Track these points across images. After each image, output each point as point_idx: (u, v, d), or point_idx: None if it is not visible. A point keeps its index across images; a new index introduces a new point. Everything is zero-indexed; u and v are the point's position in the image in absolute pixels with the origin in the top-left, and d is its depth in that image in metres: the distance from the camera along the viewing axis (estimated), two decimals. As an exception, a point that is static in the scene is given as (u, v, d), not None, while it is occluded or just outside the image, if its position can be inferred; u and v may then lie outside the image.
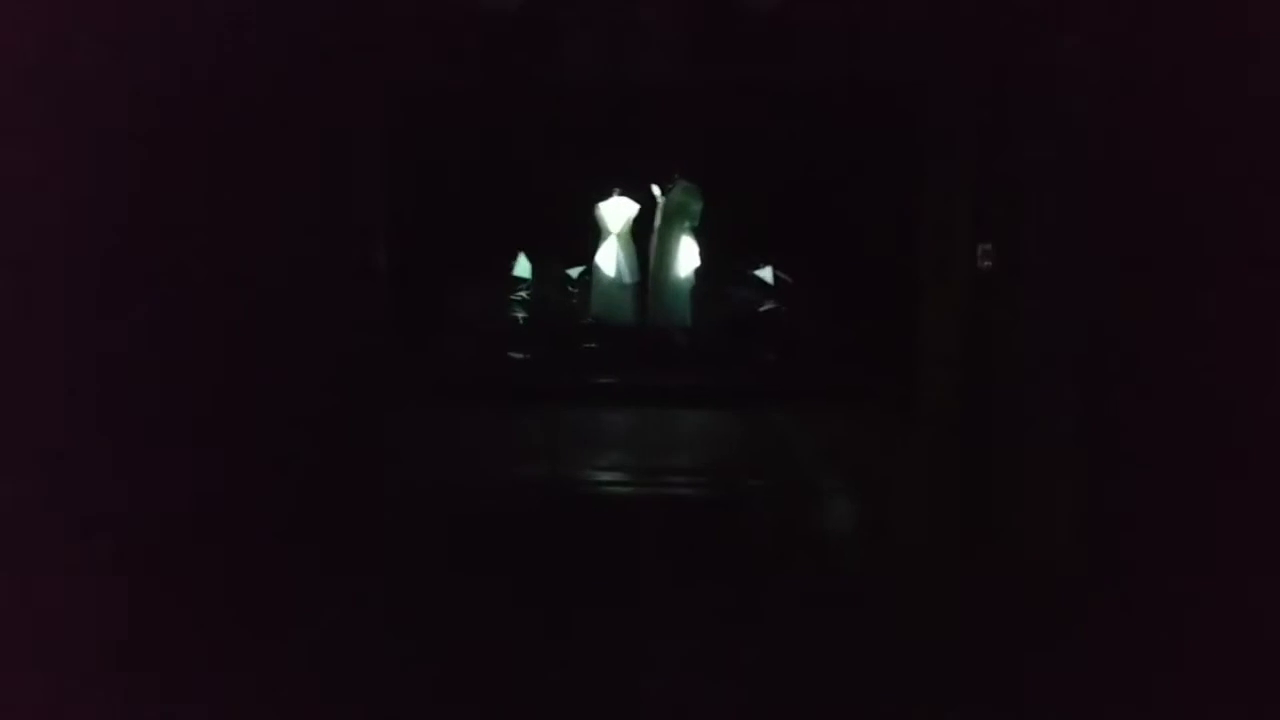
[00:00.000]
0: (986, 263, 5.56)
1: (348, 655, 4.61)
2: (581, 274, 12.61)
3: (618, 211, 12.57)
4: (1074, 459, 5.26)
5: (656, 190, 12.40)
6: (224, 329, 4.98)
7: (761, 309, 11.82)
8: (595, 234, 12.56)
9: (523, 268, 12.40)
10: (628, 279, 12.40)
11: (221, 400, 4.89)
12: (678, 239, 12.34)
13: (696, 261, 12.31)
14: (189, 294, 4.64)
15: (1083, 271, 5.25)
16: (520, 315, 11.95)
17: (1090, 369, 5.14)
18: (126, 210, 4.16)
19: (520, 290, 12.23)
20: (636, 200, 12.54)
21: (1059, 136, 5.39)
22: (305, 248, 6.03)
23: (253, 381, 5.23)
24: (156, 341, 4.38)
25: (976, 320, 5.79)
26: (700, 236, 12.34)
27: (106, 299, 4.06)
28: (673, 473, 7.82)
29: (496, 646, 4.78)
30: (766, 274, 12.11)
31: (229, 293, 5.01)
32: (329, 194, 6.38)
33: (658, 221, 12.37)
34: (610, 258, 12.44)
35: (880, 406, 8.08)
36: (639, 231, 12.56)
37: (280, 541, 5.27)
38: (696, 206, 12.26)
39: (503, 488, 7.23)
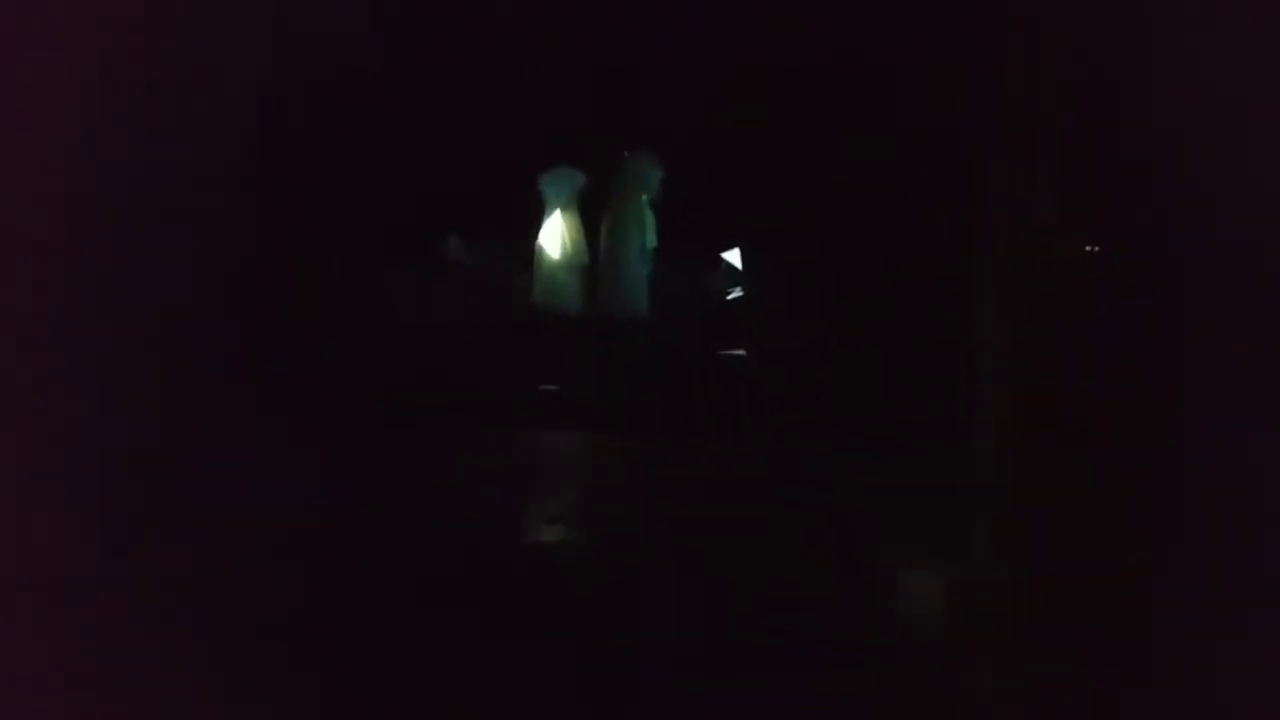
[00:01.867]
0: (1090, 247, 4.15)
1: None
2: (521, 256, 11.95)
3: (562, 184, 11.84)
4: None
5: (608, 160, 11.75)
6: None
7: (729, 296, 11.30)
8: (537, 210, 11.91)
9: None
10: (574, 261, 11.80)
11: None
12: (633, 216, 11.65)
13: (654, 242, 11.64)
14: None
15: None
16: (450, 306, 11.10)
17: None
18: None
19: (450, 276, 11.53)
20: (584, 172, 11.92)
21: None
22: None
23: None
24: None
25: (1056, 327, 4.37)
26: (658, 213, 11.65)
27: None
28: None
29: None
30: (734, 256, 11.57)
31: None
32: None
33: (609, 196, 11.75)
34: (555, 237, 11.79)
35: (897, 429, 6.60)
36: (587, 207, 11.93)
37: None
38: (654, 178, 11.58)
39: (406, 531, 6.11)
